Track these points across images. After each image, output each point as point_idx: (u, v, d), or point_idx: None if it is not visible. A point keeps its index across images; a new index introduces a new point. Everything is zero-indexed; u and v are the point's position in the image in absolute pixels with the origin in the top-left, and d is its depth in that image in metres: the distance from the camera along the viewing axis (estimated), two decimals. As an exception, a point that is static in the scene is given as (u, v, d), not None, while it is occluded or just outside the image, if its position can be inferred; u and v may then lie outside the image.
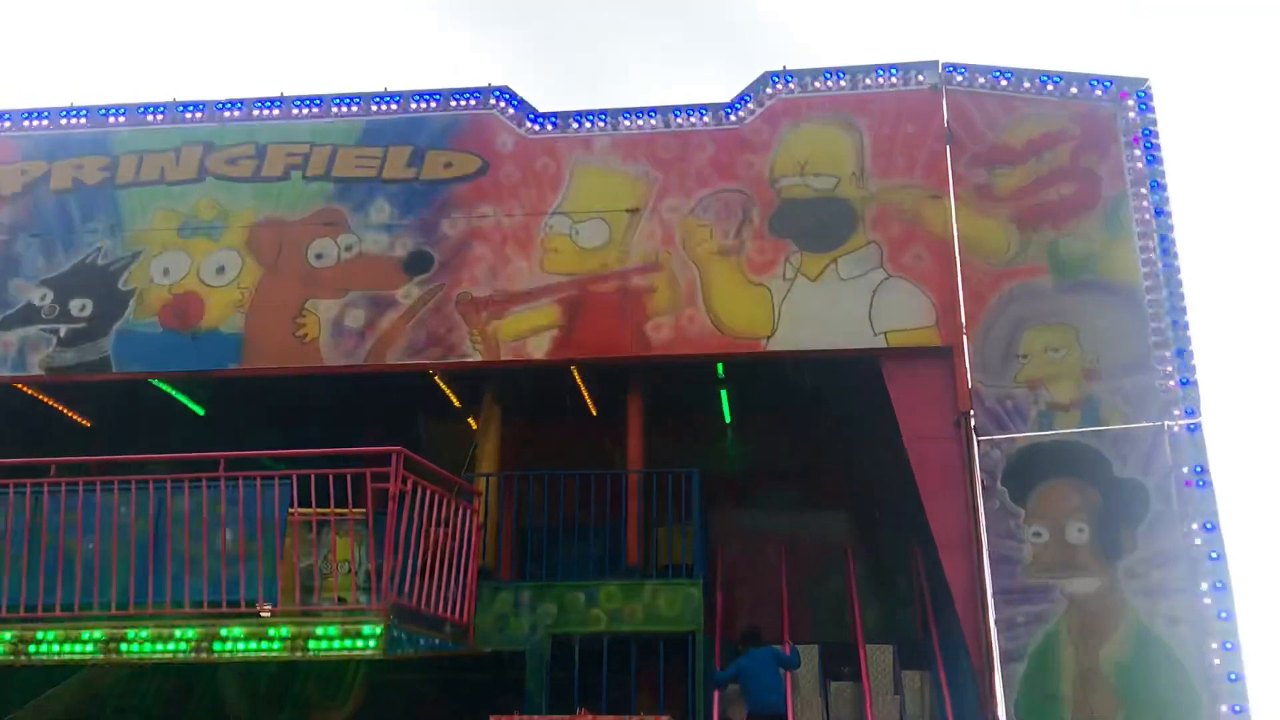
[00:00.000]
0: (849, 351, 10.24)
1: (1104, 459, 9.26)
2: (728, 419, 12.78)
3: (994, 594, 8.97)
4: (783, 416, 12.66)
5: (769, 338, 10.30)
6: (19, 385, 11.14)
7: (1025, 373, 9.70)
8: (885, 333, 10.17)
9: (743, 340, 10.35)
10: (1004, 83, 10.62)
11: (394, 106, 11.28)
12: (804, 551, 12.33)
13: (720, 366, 11.12)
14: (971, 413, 9.62)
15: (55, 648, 8.25)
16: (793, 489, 12.79)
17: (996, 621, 8.92)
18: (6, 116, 11.59)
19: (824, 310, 10.28)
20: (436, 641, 9.01)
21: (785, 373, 11.14)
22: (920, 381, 9.92)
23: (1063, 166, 10.30)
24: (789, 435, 12.80)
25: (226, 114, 11.44)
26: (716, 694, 9.82)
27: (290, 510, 8.59)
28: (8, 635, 8.23)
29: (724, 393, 12.07)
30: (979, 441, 9.49)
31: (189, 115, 11.45)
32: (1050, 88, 10.54)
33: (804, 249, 10.46)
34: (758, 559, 12.26)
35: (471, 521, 9.55)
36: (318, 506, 8.50)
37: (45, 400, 11.76)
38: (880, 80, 10.80)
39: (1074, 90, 10.50)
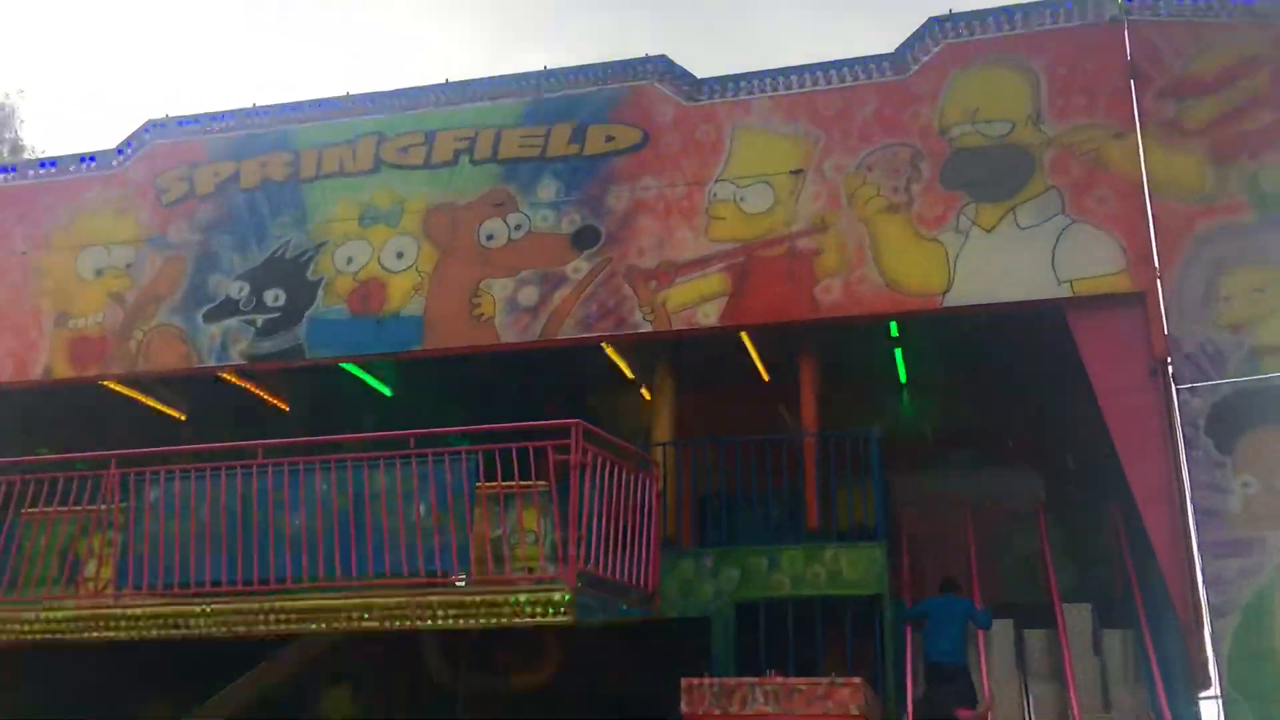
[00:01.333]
0: (1031, 304, 9.86)
1: (1318, 403, 8.65)
2: (903, 379, 12.51)
3: (1200, 548, 8.53)
4: (962, 374, 12.31)
5: (944, 293, 10.02)
6: (224, 374, 11.85)
7: (1227, 316, 9.13)
8: (1070, 281, 9.74)
9: (916, 297, 10.10)
10: (1191, 8, 9.97)
11: (554, 85, 11.43)
12: (990, 512, 11.97)
13: (894, 326, 10.88)
14: (1169, 361, 9.13)
15: (266, 619, 8.80)
16: (976, 449, 12.43)
17: (1204, 576, 8.49)
18: (196, 121, 12.29)
19: (1002, 262, 9.92)
20: (624, 608, 9.18)
21: (963, 329, 10.82)
22: (1111, 331, 9.47)
23: (1261, 93, 9.61)
24: (970, 393, 12.43)
25: (395, 104, 11.82)
26: (909, 654, 9.67)
27: (478, 484, 8.89)
28: (222, 609, 8.80)
29: (898, 352, 11.81)
30: (1178, 390, 9.00)
31: (362, 108, 11.89)
32: (1243, 10, 9.83)
33: (978, 199, 10.11)
34: (942, 521, 11.97)
35: (651, 490, 9.66)
36: (503, 480, 8.76)
37: (248, 387, 12.46)
38: (1054, 17, 10.29)
39: (1270, 12, 9.76)
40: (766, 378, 12.16)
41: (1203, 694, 8.62)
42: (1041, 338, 10.79)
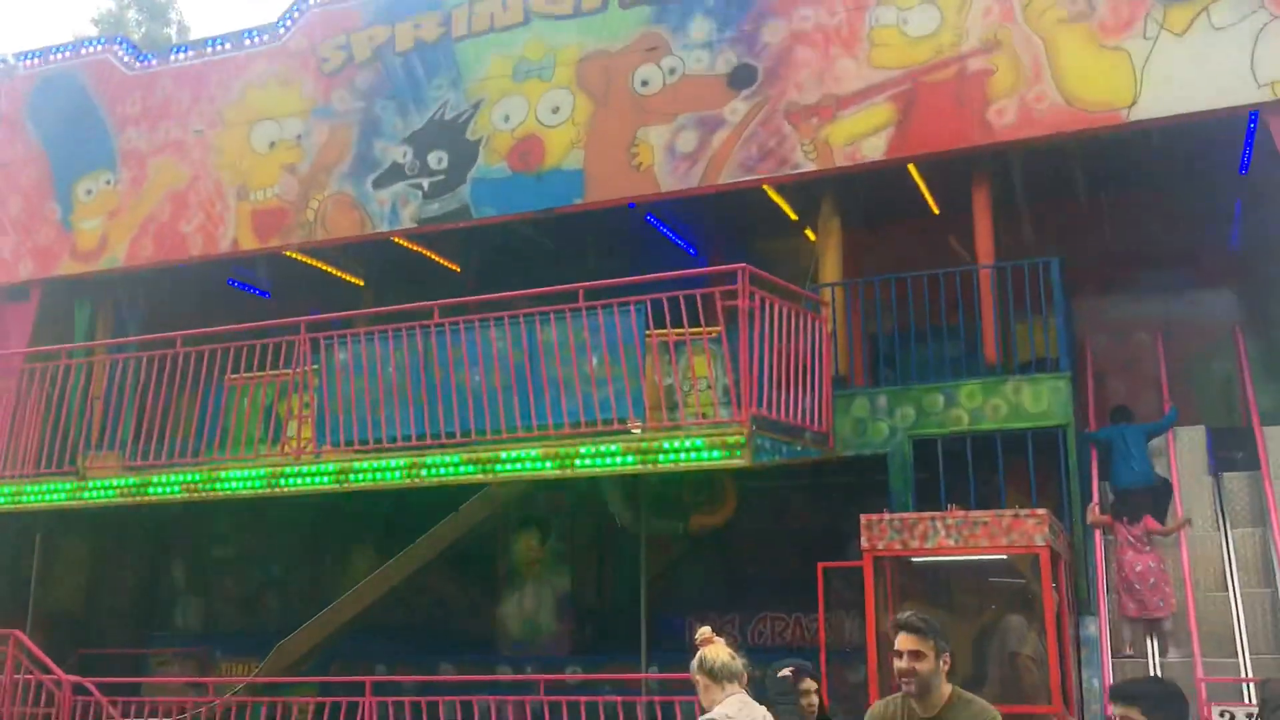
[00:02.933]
0: (1228, 111, 9.12)
1: None
2: (1086, 201, 11.84)
3: None
4: (1150, 192, 11.57)
5: (1130, 106, 9.36)
6: (396, 238, 12.19)
7: None
8: (1272, 83, 8.94)
9: (1099, 113, 9.47)
10: None
11: (702, -85, 10.93)
12: (1183, 335, 11.38)
13: (1075, 145, 10.23)
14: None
15: (448, 470, 9.22)
16: (1166, 270, 11.73)
17: None
18: (349, -14, 12.35)
19: (1195, 67, 9.16)
20: (798, 449, 9.22)
21: (1150, 143, 10.11)
22: (1318, 133, 8.68)
23: None
24: (1159, 212, 11.68)
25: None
26: (1095, 494, 9.43)
27: (647, 332, 8.98)
28: (411, 461, 9.26)
29: (1080, 172, 11.15)
30: (1398, 193, 8.23)
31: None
32: None
33: (1167, 1, 9.30)
34: (1130, 347, 11.48)
35: (821, 331, 9.56)
36: (673, 327, 8.81)
37: (419, 250, 12.80)
38: None
39: None
40: (937, 210, 11.72)
41: None
42: (1237, 148, 10.02)
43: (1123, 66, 9.38)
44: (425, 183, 11.59)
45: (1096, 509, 9.23)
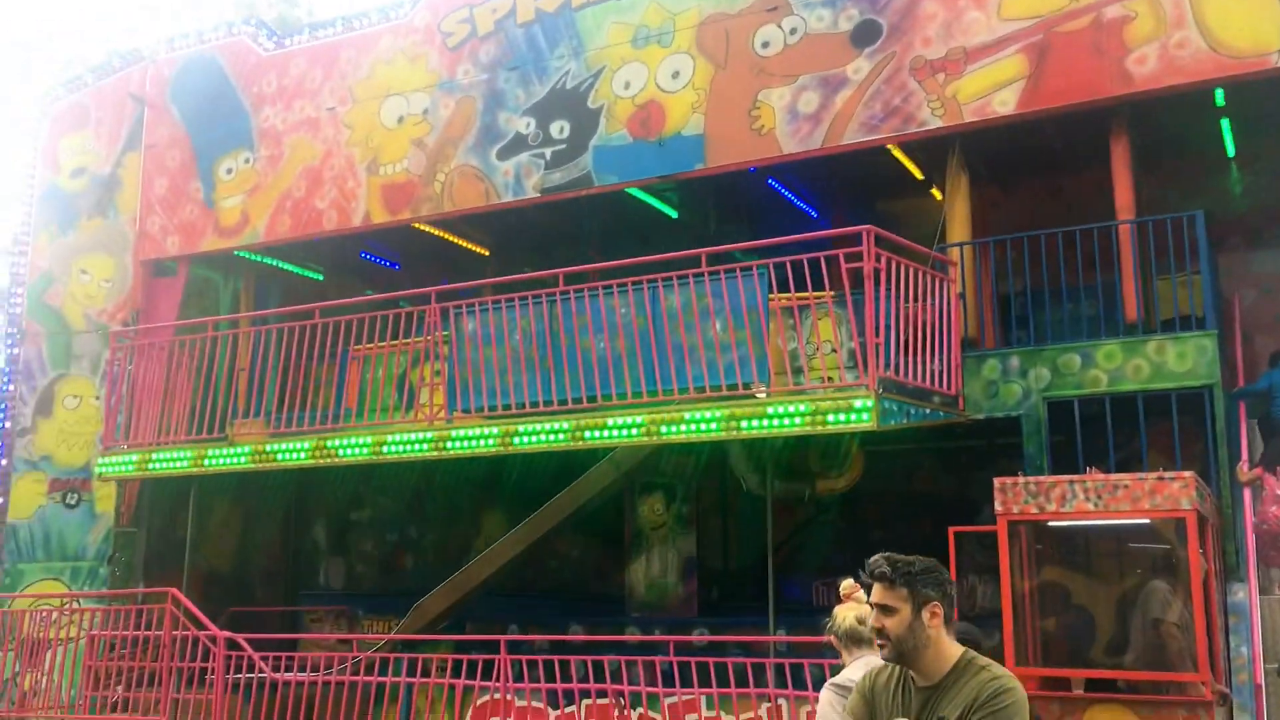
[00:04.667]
0: (1389, 50, 8.56)
1: None
2: (1232, 152, 11.29)
3: None
4: (1301, 141, 10.96)
5: (1279, 50, 8.86)
6: (521, 207, 12.36)
7: None
8: None
9: (1247, 59, 8.99)
10: None
11: None
12: (1340, 287, 10.82)
13: (1219, 93, 9.76)
14: None
15: (581, 435, 9.37)
16: (1318, 221, 11.15)
17: None
18: (468, -39, 12.50)
19: (1352, 5, 8.63)
20: (926, 411, 9.09)
21: (1302, 88, 9.57)
22: None
23: None
24: (1309, 161, 11.09)
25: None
26: (1245, 452, 9.05)
27: (770, 296, 8.94)
28: (541, 427, 9.44)
29: (1226, 122, 10.63)
30: None
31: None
32: None
33: (1320, -65, 8.78)
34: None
35: (949, 292, 9.37)
36: (796, 291, 8.75)
37: (544, 219, 12.97)
38: None
39: None
40: (1071, 165, 11.32)
41: None
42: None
43: (1272, 8, 8.90)
44: (548, 152, 11.71)
45: (1245, 465, 8.87)
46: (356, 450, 10.36)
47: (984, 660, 3.32)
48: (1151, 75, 9.25)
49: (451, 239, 13.67)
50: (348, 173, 12.73)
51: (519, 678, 9.52)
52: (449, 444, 9.90)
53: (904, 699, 3.38)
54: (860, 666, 4.53)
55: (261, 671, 10.11)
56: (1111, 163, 9.78)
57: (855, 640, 4.55)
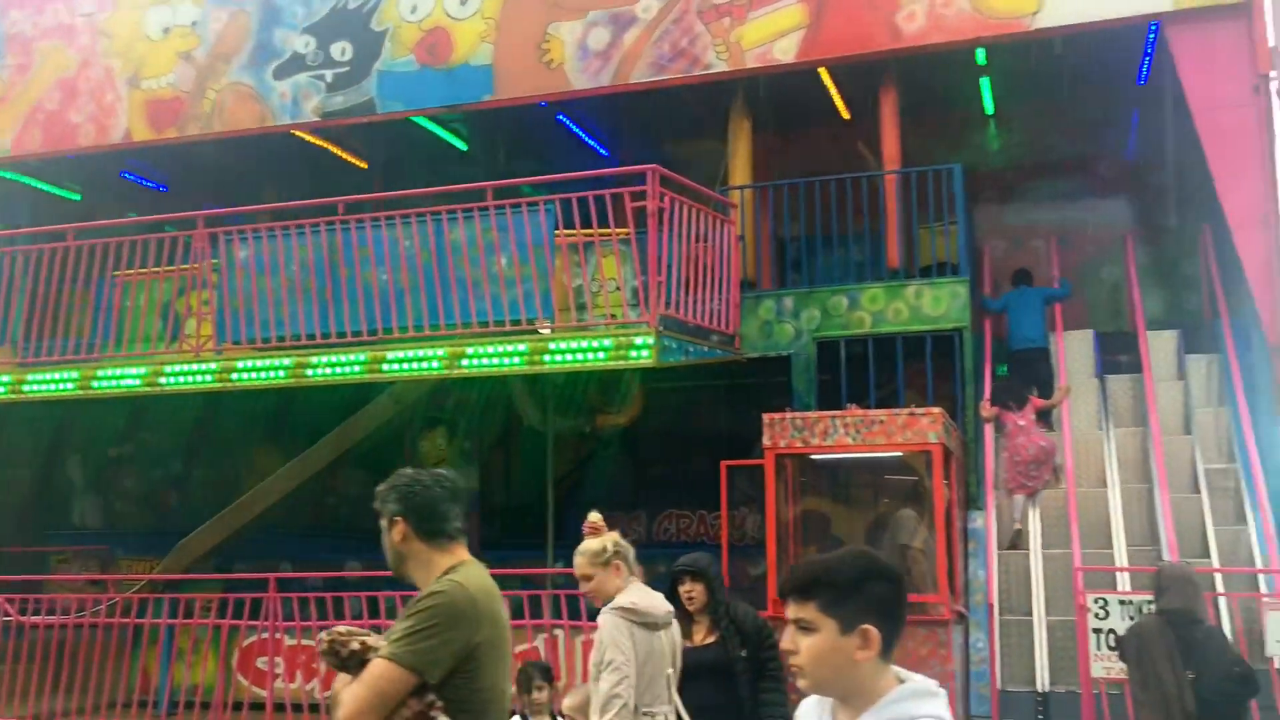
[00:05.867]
0: (1130, 19, 9.29)
1: None
2: (990, 110, 12.02)
3: (1294, 269, 8.30)
4: (1052, 102, 11.78)
5: (1034, 14, 9.48)
6: (298, 132, 11.85)
7: (1341, 23, 8.49)
8: (1173, -7, 9.14)
9: (1005, 20, 9.57)
10: None
11: None
12: (1078, 242, 11.74)
13: (981, 52, 10.35)
14: (1272, 75, 8.60)
15: (361, 369, 9.15)
16: (1064, 179, 12.04)
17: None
18: None
19: (1098, -24, 9.29)
20: (705, 350, 9.35)
21: (1054, 52, 10.27)
22: (1212, 46, 8.91)
23: None
24: (1059, 122, 11.94)
25: None
26: (988, 391, 9.77)
27: (556, 233, 8.95)
28: (318, 360, 9.17)
29: (985, 81, 11.30)
30: (1282, 106, 8.53)
31: None
32: None
33: (1074, -92, 9.38)
34: (1027, 253, 11.81)
35: (730, 234, 9.63)
36: (582, 228, 8.78)
37: (323, 144, 12.47)
38: None
39: None
40: (846, 115, 11.79)
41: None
42: (1136, 59, 10.24)
43: (1029, -27, 9.48)
44: (328, 74, 11.25)
45: (987, 403, 9.60)
46: (127, 382, 9.73)
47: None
48: (919, 32, 9.71)
49: (225, 162, 12.96)
50: (106, 85, 11.86)
51: (289, 617, 9.31)
52: (235, 376, 9.45)
53: None
54: (640, 589, 4.70)
55: (6, 615, 9.50)
56: (881, 115, 10.24)
57: (604, 564, 4.67)
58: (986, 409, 9.53)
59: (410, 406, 10.43)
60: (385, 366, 9.00)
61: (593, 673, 4.56)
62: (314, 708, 8.92)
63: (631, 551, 4.81)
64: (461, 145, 12.79)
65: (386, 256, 9.14)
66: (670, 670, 4.66)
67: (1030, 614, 8.56)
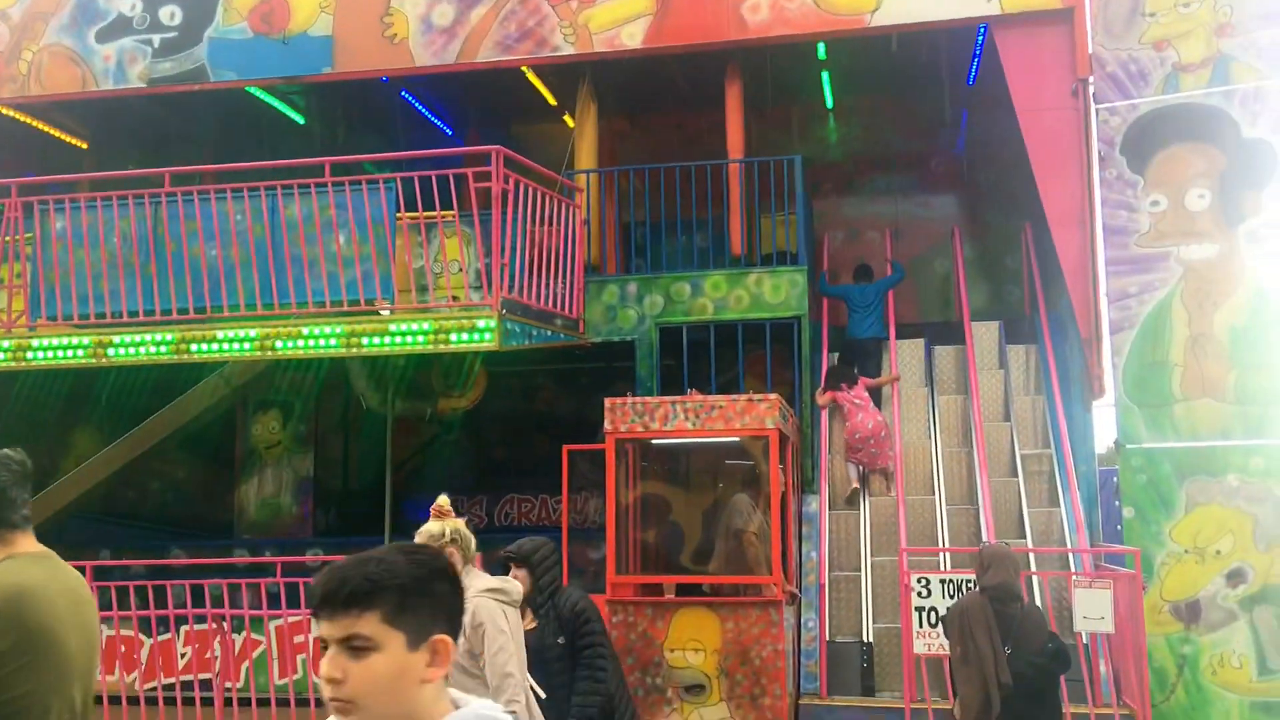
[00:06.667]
0: (961, 21, 9.63)
1: (1231, 120, 8.68)
2: (830, 103, 12.34)
3: (1106, 265, 8.78)
4: (888, 98, 12.18)
5: (873, 12, 9.72)
6: (126, 98, 11.23)
7: (1152, 32, 8.98)
8: (1001, -1, 9.53)
9: (844, 17, 9.79)
10: None
11: None
12: (910, 235, 12.20)
13: (821, 47, 10.60)
14: (1091, 79, 9.07)
15: (187, 348, 8.77)
16: (899, 173, 12.50)
17: (1108, 293, 8.78)
18: None
19: (933, -23, 9.62)
20: (548, 334, 9.31)
21: (890, 50, 10.60)
22: (1037, 48, 9.33)
23: None
24: (894, 117, 12.37)
25: None
26: (824, 380, 10.05)
27: (398, 214, 8.75)
28: (141, 338, 8.75)
29: (826, 75, 11.58)
30: (1097, 109, 8.99)
31: None
32: None
33: (911, -90, 9.67)
34: (863, 244, 12.20)
35: (575, 218, 9.61)
36: (424, 209, 8.61)
37: (153, 113, 11.87)
38: None
39: None
40: (692, 102, 11.90)
41: (1097, 402, 9.14)
42: (967, 60, 10.67)
43: (868, -29, 9.74)
44: (156, 39, 10.70)
45: (821, 392, 9.89)
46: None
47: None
48: (763, 24, 9.86)
49: (41, 127, 12.21)
50: (-94, 40, 11.00)
51: (108, 605, 8.87)
52: (30, 354, 8.93)
53: None
54: (496, 579, 4.73)
55: None
56: (725, 104, 10.37)
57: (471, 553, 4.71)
58: (821, 397, 9.81)
59: (242, 388, 10.06)
60: (194, 347, 8.64)
61: (468, 659, 4.50)
62: (133, 700, 8.54)
63: (472, 541, 4.78)
64: (299, 118, 12.37)
65: (216, 231, 8.76)
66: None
67: (859, 570, 9.04)
